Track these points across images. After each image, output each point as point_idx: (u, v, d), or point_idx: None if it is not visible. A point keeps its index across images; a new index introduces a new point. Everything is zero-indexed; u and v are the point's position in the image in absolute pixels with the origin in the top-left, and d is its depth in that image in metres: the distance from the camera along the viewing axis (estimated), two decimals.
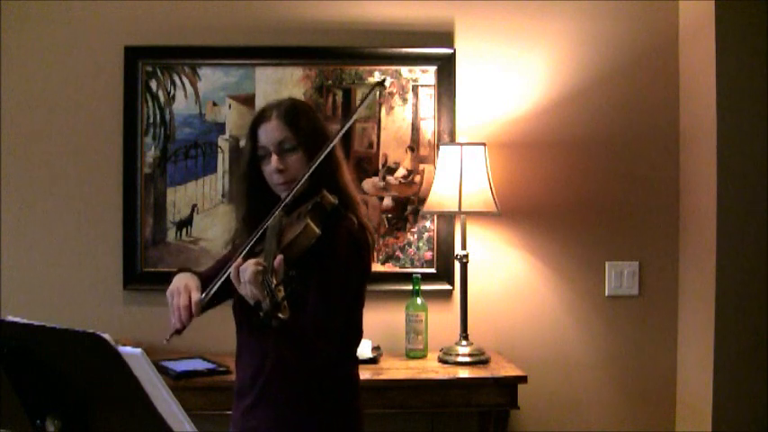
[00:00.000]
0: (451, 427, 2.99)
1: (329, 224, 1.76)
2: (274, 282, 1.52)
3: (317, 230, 1.71)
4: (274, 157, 1.81)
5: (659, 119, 3.08)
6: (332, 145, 1.80)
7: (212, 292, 1.71)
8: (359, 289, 1.85)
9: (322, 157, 1.77)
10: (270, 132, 1.82)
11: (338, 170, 1.87)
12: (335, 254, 1.75)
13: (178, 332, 1.72)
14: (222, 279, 1.71)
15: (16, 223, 2.97)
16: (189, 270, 1.83)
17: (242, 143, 2.96)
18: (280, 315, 1.50)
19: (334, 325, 1.74)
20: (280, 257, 1.59)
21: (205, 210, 3.00)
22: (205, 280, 1.78)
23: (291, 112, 1.84)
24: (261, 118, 1.86)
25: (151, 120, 2.98)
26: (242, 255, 1.69)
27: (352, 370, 1.91)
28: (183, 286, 1.73)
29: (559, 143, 3.06)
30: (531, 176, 3.05)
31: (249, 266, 1.58)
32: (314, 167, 1.76)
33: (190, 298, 1.70)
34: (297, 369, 1.77)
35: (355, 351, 1.92)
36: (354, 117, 1.92)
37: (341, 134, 1.84)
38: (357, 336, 1.90)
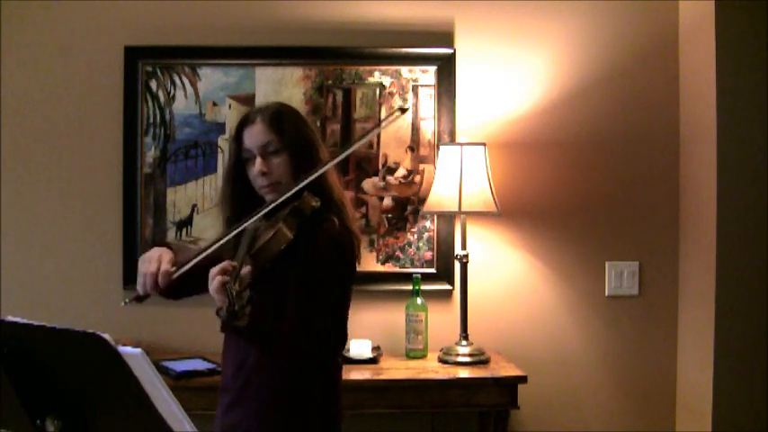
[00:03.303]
0: (451, 427, 2.99)
1: (309, 227, 1.77)
2: (236, 289, 1.54)
3: (290, 235, 1.73)
4: (258, 160, 1.82)
5: (659, 119, 3.08)
6: (324, 169, 1.80)
7: (184, 269, 1.71)
8: (343, 290, 1.84)
9: (309, 179, 1.76)
10: (254, 135, 1.83)
11: (323, 174, 1.86)
12: (315, 256, 1.76)
13: (138, 299, 1.75)
14: (197, 260, 1.71)
15: (16, 223, 2.97)
16: (167, 245, 1.84)
17: None
18: (237, 323, 1.54)
19: (312, 327, 1.73)
20: (248, 269, 1.62)
21: (205, 210, 3.00)
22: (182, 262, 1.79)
23: (276, 116, 1.85)
24: (245, 121, 1.87)
25: (151, 120, 2.98)
26: (207, 253, 1.72)
27: (335, 372, 1.91)
28: (157, 256, 1.74)
29: (559, 143, 3.06)
30: (531, 176, 3.05)
31: (216, 275, 1.60)
32: (298, 188, 1.76)
33: (159, 267, 1.71)
34: (277, 368, 1.77)
35: (340, 353, 1.92)
36: (357, 144, 1.98)
37: (338, 159, 1.83)
38: (341, 338, 1.89)
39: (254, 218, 1.74)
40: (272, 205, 1.76)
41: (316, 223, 1.79)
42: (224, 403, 1.87)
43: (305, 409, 1.81)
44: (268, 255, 1.72)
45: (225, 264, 1.62)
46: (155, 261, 1.72)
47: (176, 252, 1.80)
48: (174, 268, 1.72)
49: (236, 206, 1.88)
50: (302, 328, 1.72)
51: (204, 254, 1.72)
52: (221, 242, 1.74)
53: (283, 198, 1.76)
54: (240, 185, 1.88)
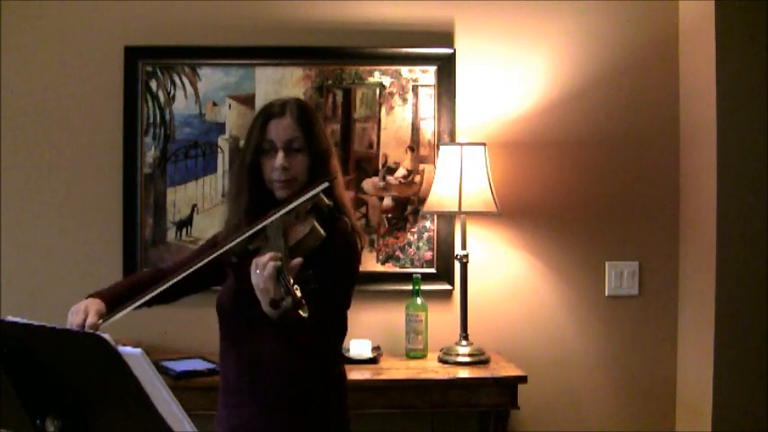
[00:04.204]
0: (451, 427, 2.99)
1: (326, 225, 1.78)
2: (291, 280, 1.52)
3: (323, 233, 1.73)
4: (281, 154, 1.81)
5: (659, 119, 3.08)
6: (322, 187, 1.80)
7: (117, 317, 1.74)
8: (349, 289, 1.86)
9: (319, 189, 1.77)
10: (282, 129, 1.83)
11: (334, 181, 1.87)
12: (332, 254, 1.77)
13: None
14: (132, 307, 1.74)
15: (16, 223, 2.97)
16: (100, 295, 1.84)
17: (242, 143, 2.97)
18: (301, 313, 1.50)
19: (327, 322, 1.75)
20: (298, 260, 1.60)
21: (205, 210, 3.00)
22: (121, 293, 1.83)
23: (305, 114, 1.86)
24: (272, 112, 1.85)
25: (151, 120, 2.98)
26: (227, 249, 1.72)
27: (339, 368, 1.92)
28: (84, 307, 1.76)
29: (559, 143, 3.06)
30: (531, 176, 3.05)
31: (268, 260, 1.55)
32: (319, 189, 1.77)
33: (86, 319, 1.72)
34: (285, 367, 1.77)
35: (340, 349, 1.95)
36: (295, 203, 1.87)
37: (283, 210, 1.78)
38: (343, 334, 1.91)
39: (279, 214, 1.73)
40: (297, 202, 1.75)
41: (331, 222, 1.80)
42: (230, 404, 1.86)
43: (315, 408, 1.82)
44: (305, 250, 1.70)
45: (272, 254, 1.58)
46: (81, 313, 1.74)
47: (110, 301, 1.81)
48: (100, 321, 1.73)
49: (250, 195, 1.86)
50: (317, 324, 1.71)
51: (179, 277, 1.75)
52: (232, 245, 1.73)
53: (306, 197, 1.75)
54: (256, 175, 1.87)
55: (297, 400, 1.80)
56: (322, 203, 1.79)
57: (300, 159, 1.82)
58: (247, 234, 1.73)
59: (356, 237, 1.86)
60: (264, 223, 1.73)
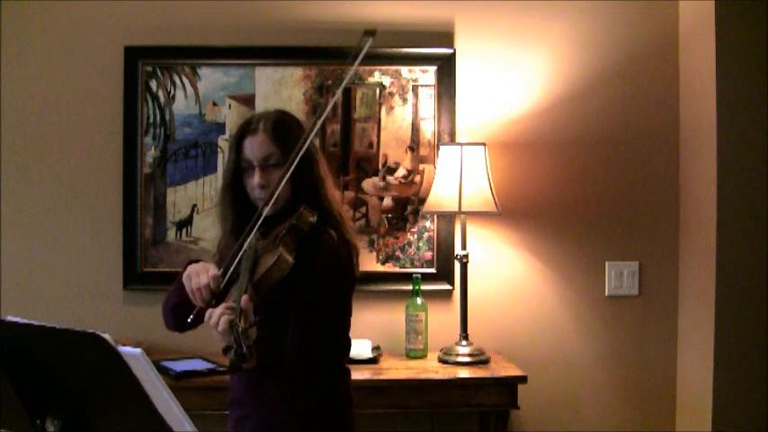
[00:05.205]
0: (451, 427, 2.99)
1: (307, 243, 1.75)
2: (242, 326, 1.52)
3: (291, 260, 1.70)
4: (258, 172, 1.79)
5: (659, 119, 3.08)
6: (308, 141, 1.75)
7: (230, 272, 1.68)
8: (344, 303, 1.83)
9: (296, 161, 1.73)
10: (255, 146, 1.80)
11: (321, 187, 1.84)
12: (315, 275, 1.74)
13: (201, 311, 1.70)
14: (234, 266, 1.68)
15: (16, 223, 2.97)
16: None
17: None
18: (244, 366, 1.52)
19: (314, 349, 1.73)
20: (245, 299, 1.58)
21: (205, 210, 3.00)
22: None
23: (279, 127, 1.82)
24: (247, 130, 1.83)
25: (151, 120, 2.98)
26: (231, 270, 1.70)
27: (343, 381, 1.90)
28: (201, 266, 1.70)
29: (559, 143, 3.06)
30: (531, 176, 3.05)
31: (221, 317, 1.56)
32: (288, 174, 1.73)
33: (207, 276, 1.67)
34: (289, 381, 1.76)
35: (344, 363, 1.92)
36: (339, 91, 1.93)
37: (326, 112, 1.79)
38: (345, 348, 1.89)
39: (251, 235, 1.71)
40: (266, 209, 1.74)
41: (314, 238, 1.77)
42: (235, 417, 1.86)
43: (319, 420, 1.81)
44: (270, 284, 1.69)
45: (224, 307, 1.58)
46: (203, 273, 1.68)
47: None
48: (220, 271, 1.68)
49: (235, 216, 1.85)
50: (304, 352, 1.71)
51: (231, 269, 1.69)
52: (233, 266, 1.72)
53: (274, 196, 1.73)
54: (238, 194, 1.85)
55: (299, 414, 1.79)
56: (302, 221, 1.76)
57: (279, 174, 1.78)
58: (233, 266, 1.71)
59: (348, 248, 1.82)
60: (239, 255, 1.71)
